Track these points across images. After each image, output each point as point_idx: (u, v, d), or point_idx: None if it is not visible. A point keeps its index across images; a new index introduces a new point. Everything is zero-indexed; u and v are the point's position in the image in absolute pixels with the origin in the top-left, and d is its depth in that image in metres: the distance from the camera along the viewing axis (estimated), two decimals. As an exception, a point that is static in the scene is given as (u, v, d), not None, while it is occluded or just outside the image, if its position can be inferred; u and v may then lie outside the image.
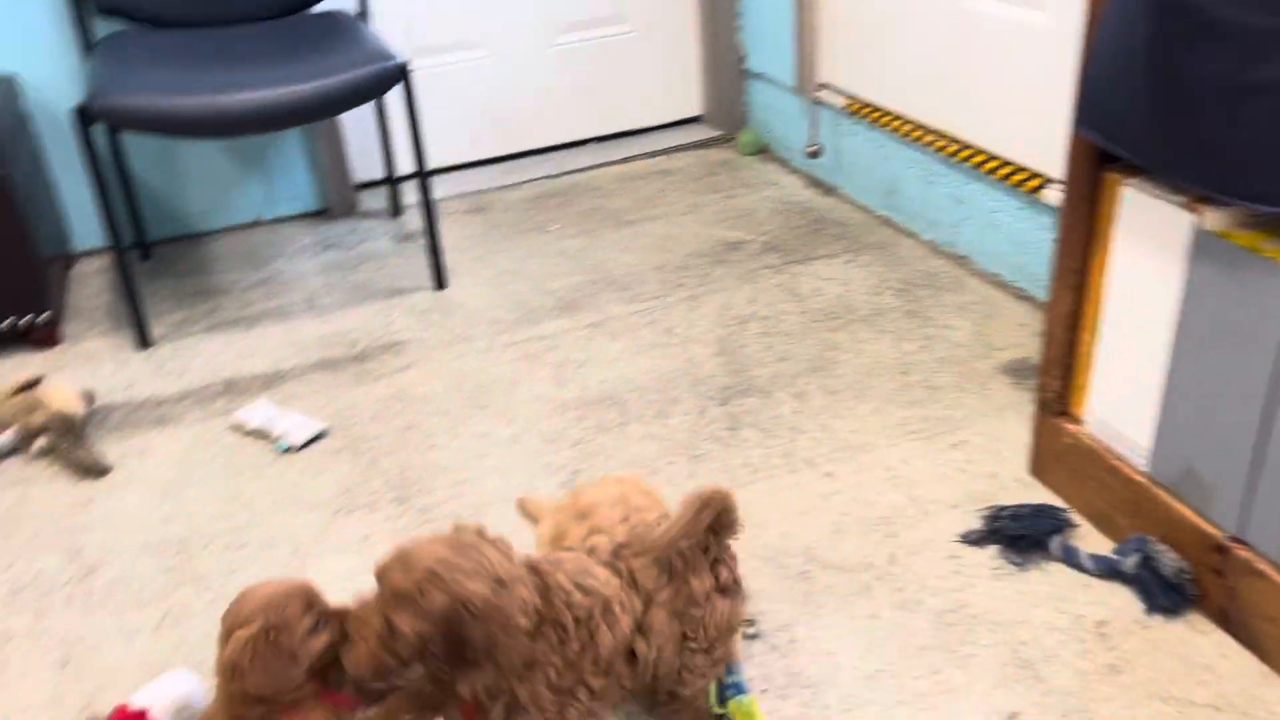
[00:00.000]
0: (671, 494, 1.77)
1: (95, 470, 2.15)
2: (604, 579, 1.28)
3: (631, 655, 1.28)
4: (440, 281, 2.89)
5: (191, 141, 3.18)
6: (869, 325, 2.56)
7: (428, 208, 2.80)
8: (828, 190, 3.33)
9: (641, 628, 1.28)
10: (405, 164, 3.47)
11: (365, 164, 3.49)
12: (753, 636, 1.64)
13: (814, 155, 3.27)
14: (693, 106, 3.87)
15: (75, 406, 2.25)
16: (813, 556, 1.83)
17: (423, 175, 2.75)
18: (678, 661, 1.29)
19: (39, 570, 1.90)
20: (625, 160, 3.68)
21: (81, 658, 1.69)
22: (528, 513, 1.90)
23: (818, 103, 3.26)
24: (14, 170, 2.53)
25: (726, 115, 3.76)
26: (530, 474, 2.10)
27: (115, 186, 3.09)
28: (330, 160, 3.33)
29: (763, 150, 3.66)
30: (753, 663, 1.60)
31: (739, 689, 1.47)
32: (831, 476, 2.03)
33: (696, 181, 3.49)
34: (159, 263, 3.13)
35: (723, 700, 1.45)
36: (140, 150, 3.13)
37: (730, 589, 1.37)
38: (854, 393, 2.29)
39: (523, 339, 2.62)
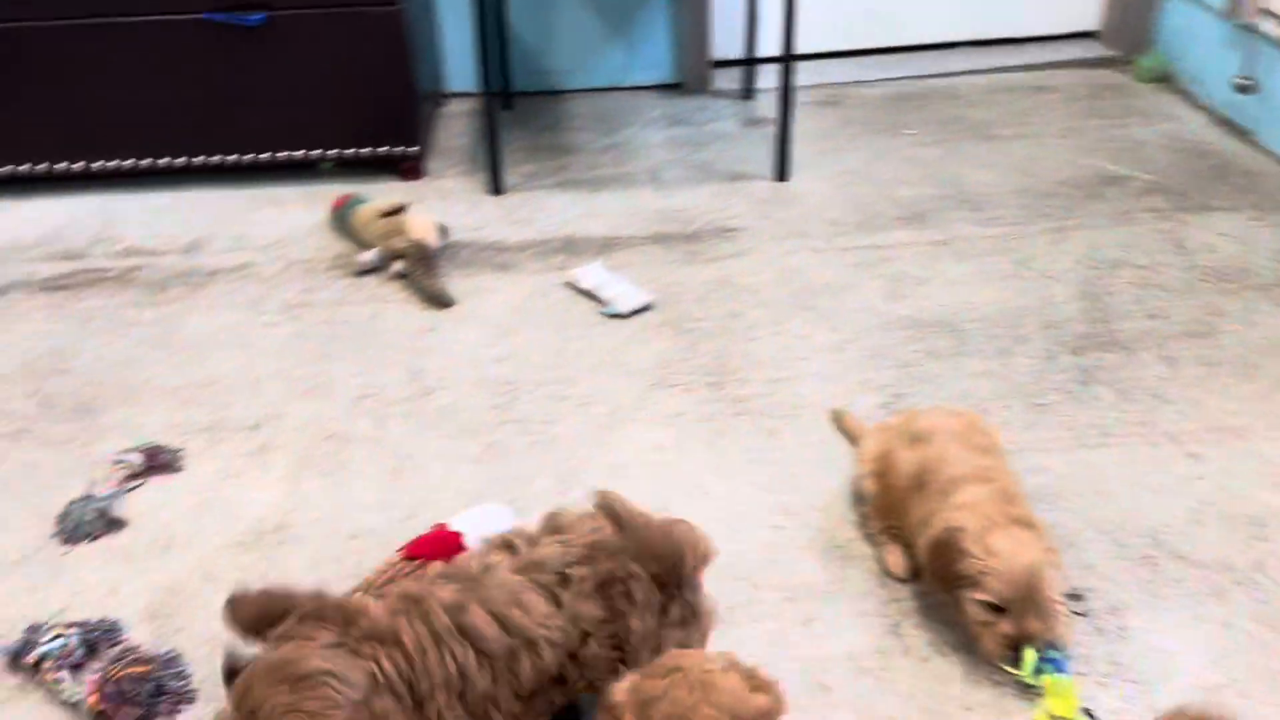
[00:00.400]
0: (1006, 441, 1.61)
1: (441, 301, 2.27)
2: (538, 614, 1.19)
3: (562, 678, 1.22)
4: (783, 172, 2.79)
5: (565, -2, 3.24)
6: (1268, 296, 2.20)
7: (786, 94, 2.68)
8: (1241, 134, 2.87)
9: (575, 657, 1.21)
10: (765, 45, 3.35)
11: (725, 42, 3.40)
12: (1081, 615, 1.48)
13: (1244, 90, 2.81)
14: (1088, 20, 3.45)
15: (432, 238, 2.39)
16: (1160, 542, 1.62)
17: (788, 59, 2.63)
18: (612, 677, 1.16)
19: (383, 383, 2.04)
20: (999, 70, 3.36)
21: (410, 471, 1.81)
22: (843, 427, 1.80)
23: (1253, 30, 2.79)
24: (408, 5, 2.67)
25: (1128, 34, 3.33)
26: (848, 387, 2.00)
27: (493, 35, 3.21)
28: (691, 33, 3.28)
29: (1164, 79, 3.22)
30: (1074, 640, 1.45)
31: (1059, 666, 1.33)
32: (1197, 458, 1.78)
33: (1078, 103, 3.13)
34: (518, 114, 3.23)
35: (1038, 672, 1.32)
36: (519, 2, 3.22)
37: (686, 621, 1.26)
38: (1238, 369, 1.99)
39: (860, 245, 2.48)
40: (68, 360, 2.13)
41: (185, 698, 1.44)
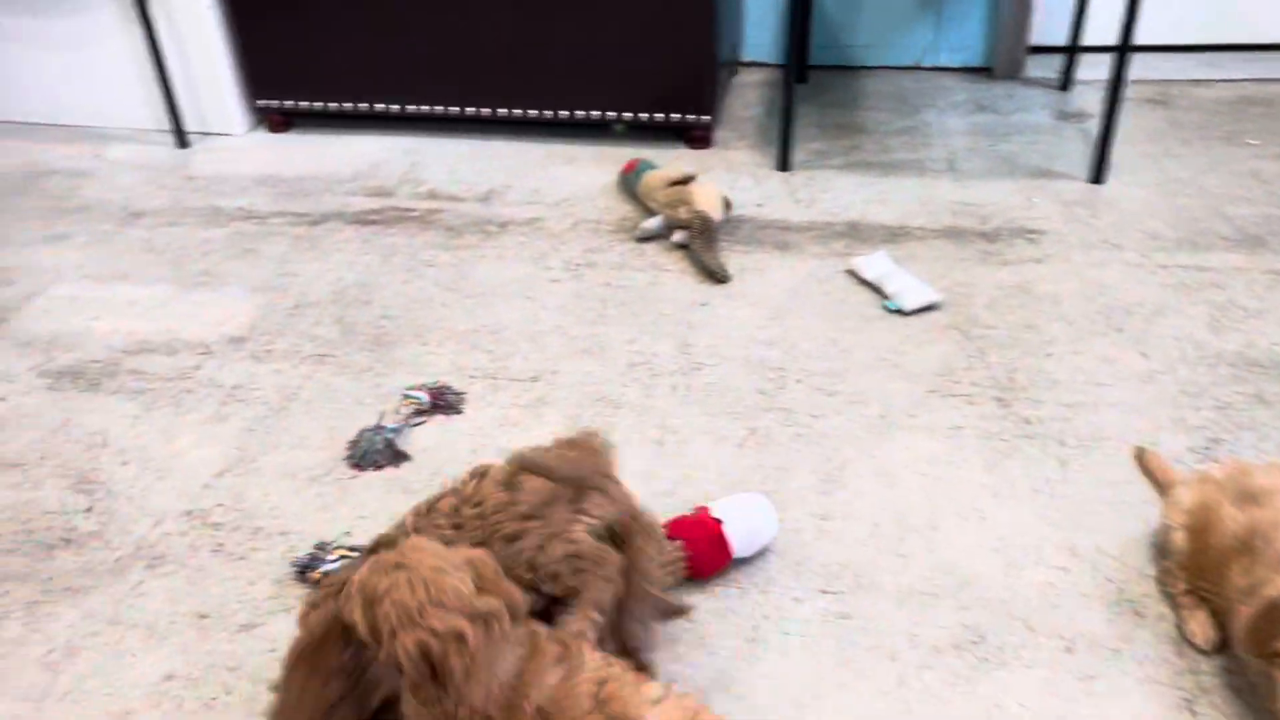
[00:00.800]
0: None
1: (718, 275, 2.25)
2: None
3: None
4: (1098, 173, 2.56)
5: (877, -29, 3.09)
6: None
7: (1115, 87, 2.44)
8: None
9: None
10: (1092, 32, 3.07)
11: (1045, 26, 3.15)
12: None
13: None
14: None
15: (716, 211, 2.36)
16: None
17: (1124, 49, 2.39)
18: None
19: (654, 353, 2.05)
20: (1373, 78, 2.93)
21: (674, 445, 1.81)
22: (1148, 469, 1.62)
23: None
24: (720, -28, 2.64)
25: None
26: (1156, 423, 1.80)
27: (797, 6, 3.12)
28: (1011, 15, 3.06)
29: None
30: None
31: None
32: None
33: None
34: (812, 88, 3.14)
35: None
36: (827, -28, 3.12)
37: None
38: None
39: (1182, 264, 2.23)
40: (370, 293, 2.27)
41: None
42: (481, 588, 1.09)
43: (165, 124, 2.99)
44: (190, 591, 1.56)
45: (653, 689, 1.12)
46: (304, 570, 1.58)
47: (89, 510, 1.71)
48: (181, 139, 2.94)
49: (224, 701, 1.40)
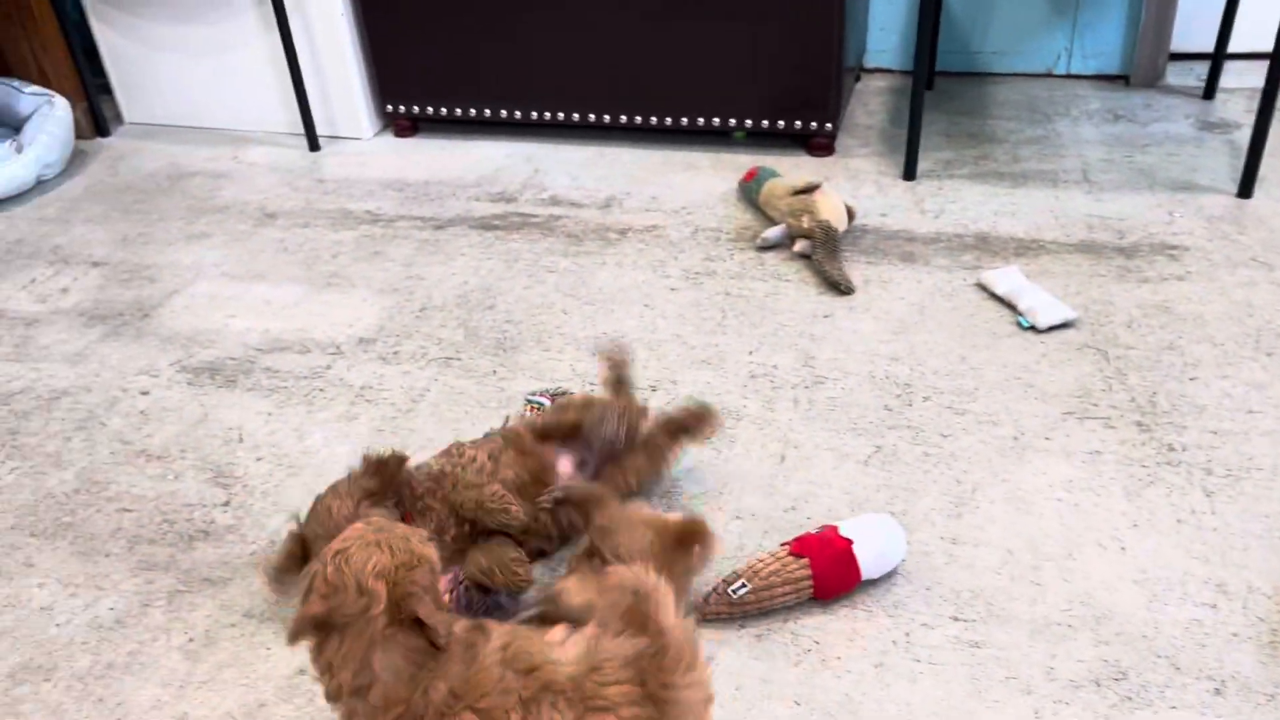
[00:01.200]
0: None
1: (841, 287, 2.21)
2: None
3: None
4: (1246, 187, 2.43)
5: (1009, -25, 3.00)
6: None
7: (1269, 96, 2.32)
8: None
9: None
10: (1240, 39, 2.93)
11: (1187, 32, 3.02)
12: None
13: None
14: None
15: (840, 221, 2.32)
16: None
17: (1278, 56, 2.27)
18: None
19: (775, 365, 2.02)
20: None
21: (796, 460, 1.78)
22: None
23: None
24: (848, -22, 2.59)
25: None
26: (1312, 454, 1.70)
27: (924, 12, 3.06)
28: (1152, 21, 2.93)
29: None
30: None
31: None
32: None
33: None
34: (939, 95, 3.07)
35: None
36: (957, -23, 3.04)
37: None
38: None
39: (1340, 285, 2.10)
40: (493, 297, 2.30)
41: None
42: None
43: (298, 128, 3.09)
44: (321, 587, 1.60)
45: (554, 633, 1.17)
46: None
47: (226, 504, 1.78)
48: (313, 142, 3.04)
49: (353, 697, 1.42)
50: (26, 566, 1.69)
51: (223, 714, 1.42)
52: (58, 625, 1.57)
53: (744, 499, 1.71)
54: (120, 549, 1.70)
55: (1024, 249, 2.31)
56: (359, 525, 1.21)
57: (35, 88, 3.05)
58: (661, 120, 2.86)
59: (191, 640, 1.53)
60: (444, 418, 1.94)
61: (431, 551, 1.20)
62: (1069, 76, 3.11)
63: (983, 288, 2.19)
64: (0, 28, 3.11)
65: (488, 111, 2.98)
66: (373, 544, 1.16)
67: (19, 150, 2.89)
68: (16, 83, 3.07)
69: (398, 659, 1.13)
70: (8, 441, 1.97)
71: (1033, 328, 2.05)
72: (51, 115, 2.96)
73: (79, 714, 1.43)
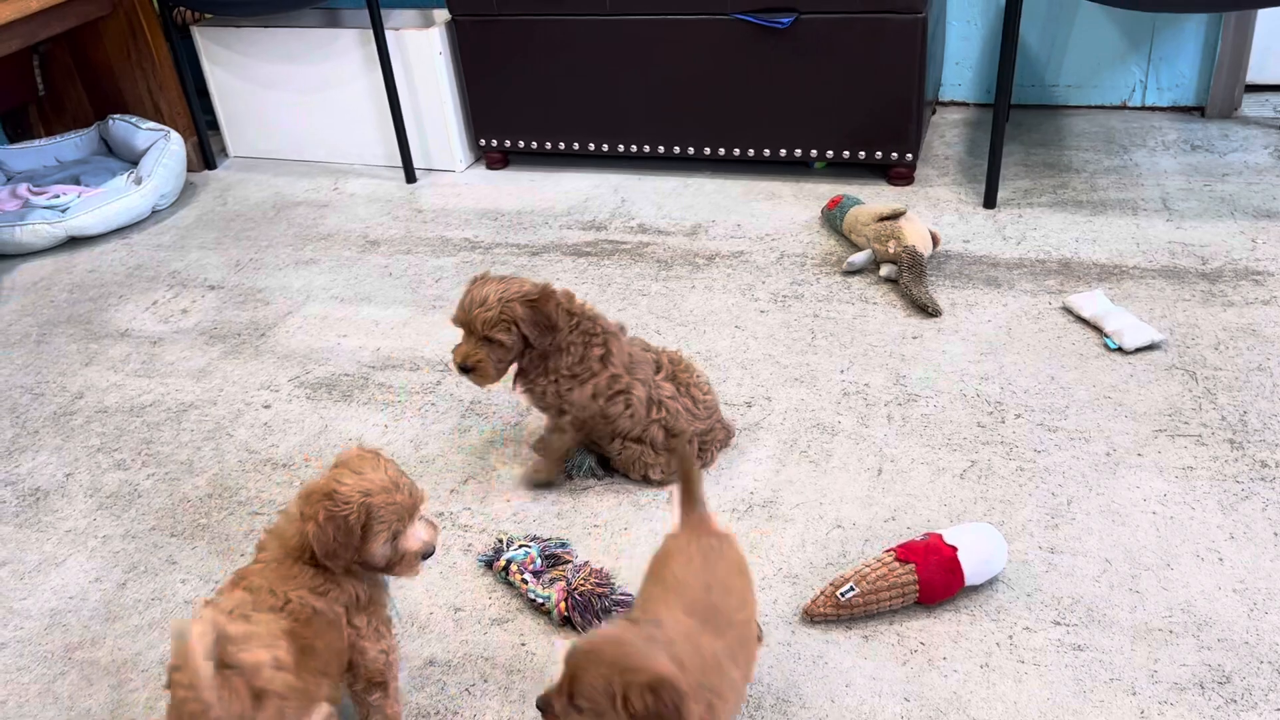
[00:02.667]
0: None
1: (929, 309, 2.28)
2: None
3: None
4: (1329, 215, 2.46)
5: (1092, 8, 3.06)
6: None
7: (1352, 126, 2.36)
8: None
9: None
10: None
11: (1264, 64, 3.06)
12: None
13: None
14: None
15: (925, 245, 2.40)
16: None
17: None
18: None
19: (867, 383, 2.09)
20: None
21: (892, 473, 1.85)
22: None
23: None
24: (929, 14, 2.68)
25: None
26: (1407, 471, 1.73)
27: (1001, 45, 3.13)
28: (1228, 52, 2.98)
29: None
30: None
31: None
32: None
33: None
34: (1015, 126, 3.14)
35: None
36: (1032, 12, 3.11)
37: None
38: None
39: None
40: (589, 319, 2.40)
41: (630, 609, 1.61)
42: None
43: (396, 160, 3.25)
44: (445, 586, 1.70)
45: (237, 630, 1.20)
46: (490, 563, 1.71)
47: (351, 508, 1.88)
48: (410, 174, 3.18)
49: (481, 689, 1.51)
50: (170, 564, 1.81)
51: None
52: (202, 617, 1.68)
53: (843, 509, 1.78)
54: (253, 549, 1.81)
55: (1107, 274, 2.36)
56: None
57: (152, 124, 3.24)
58: (744, 151, 2.96)
59: (327, 633, 1.63)
60: (550, 431, 2.03)
61: None
62: (1144, 108, 3.16)
63: (1068, 310, 2.24)
64: (121, 69, 3.31)
65: (575, 144, 3.10)
66: None
67: (138, 182, 3.07)
68: (135, 119, 3.26)
69: None
70: (143, 450, 2.11)
71: (1120, 349, 2.10)
72: (167, 149, 3.14)
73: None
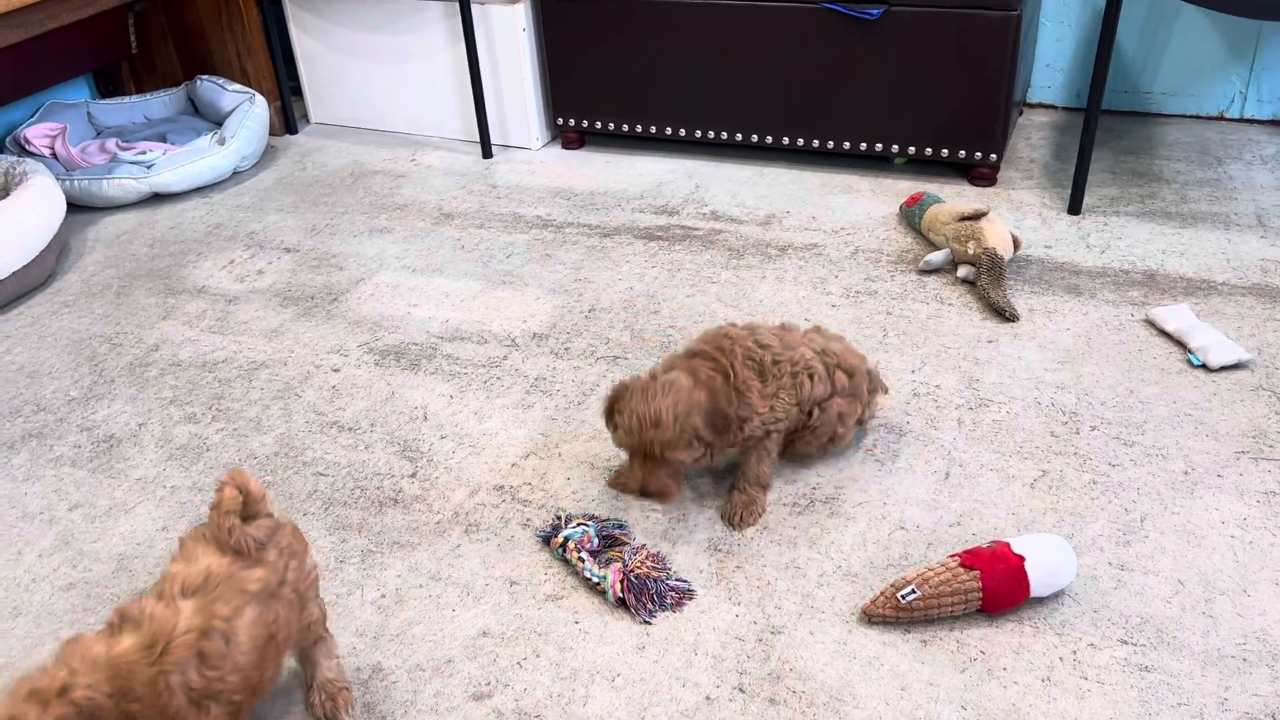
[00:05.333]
0: None
1: (1006, 314, 2.22)
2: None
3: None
4: None
5: (1193, 14, 2.96)
6: None
7: None
8: None
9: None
10: None
11: (1375, 79, 2.93)
12: None
13: None
14: None
15: (1006, 248, 2.34)
16: None
17: None
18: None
19: (938, 385, 2.05)
20: None
21: (960, 478, 1.81)
22: None
23: None
24: (1023, 12, 2.61)
25: None
26: None
27: (1095, 50, 3.05)
28: (1336, 66, 2.86)
29: None
30: None
31: None
32: None
33: None
34: (1104, 132, 3.05)
35: None
36: (1130, 15, 3.02)
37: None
38: None
39: None
40: (658, 303, 2.39)
41: (687, 595, 1.61)
42: None
43: (473, 135, 3.26)
44: (501, 559, 1.70)
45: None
46: (548, 539, 1.71)
47: (413, 475, 1.90)
48: (486, 150, 3.19)
49: (533, 663, 1.52)
50: (234, 517, 1.84)
51: (412, 666, 1.52)
52: (263, 572, 1.71)
53: (907, 511, 1.75)
54: (317, 509, 1.84)
55: (1194, 289, 2.29)
56: None
57: (238, 86, 3.30)
58: (823, 143, 2.92)
59: (383, 596, 1.65)
60: (614, 412, 2.03)
61: None
62: (1242, 120, 3.05)
63: (1151, 324, 2.17)
64: (212, 31, 3.37)
65: (653, 128, 3.09)
66: None
67: (221, 143, 3.13)
68: (222, 81, 3.32)
69: None
70: (214, 405, 2.15)
71: (1204, 366, 2.03)
72: (251, 112, 3.19)
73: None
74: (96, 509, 1.88)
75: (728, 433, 1.62)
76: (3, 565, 1.77)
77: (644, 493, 1.62)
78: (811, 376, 1.73)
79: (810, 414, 1.76)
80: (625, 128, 3.12)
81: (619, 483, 1.81)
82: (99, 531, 1.83)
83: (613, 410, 1.64)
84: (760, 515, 1.75)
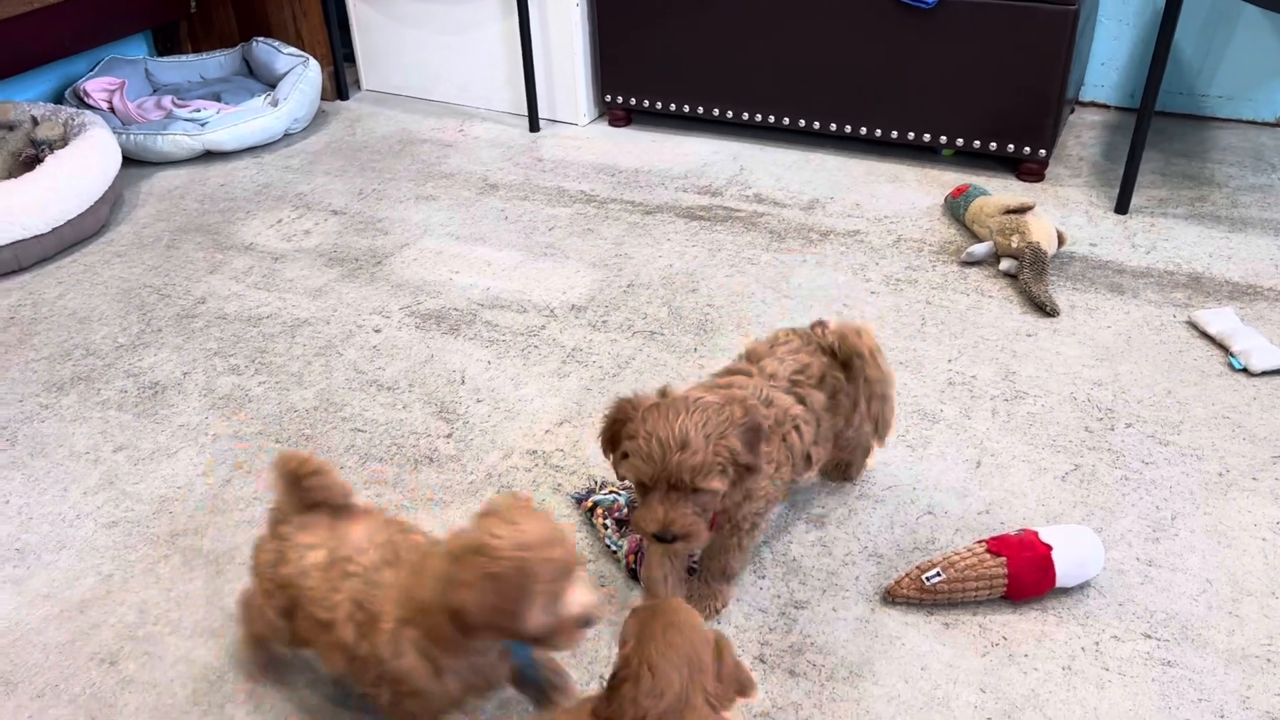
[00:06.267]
0: None
1: (1047, 308, 2.21)
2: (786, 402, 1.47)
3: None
4: None
5: (1254, 18, 2.92)
6: None
7: None
8: None
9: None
10: None
11: None
12: None
13: None
14: None
15: (1050, 243, 2.33)
16: None
17: None
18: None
19: (974, 375, 2.05)
20: None
21: (992, 467, 1.81)
22: None
23: None
24: (1081, 8, 2.59)
25: None
26: None
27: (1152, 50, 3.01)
28: (1400, 76, 2.81)
29: None
30: None
31: None
32: None
33: None
34: (1156, 134, 3.01)
35: None
36: (1190, 17, 2.98)
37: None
38: None
39: None
40: (696, 281, 2.40)
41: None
42: None
43: (521, 108, 3.28)
44: (532, 521, 1.73)
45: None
46: (579, 500, 1.74)
47: (449, 436, 1.93)
48: (534, 123, 3.22)
49: (558, 622, 1.54)
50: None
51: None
52: (299, 521, 1.75)
53: (936, 496, 1.75)
54: (354, 463, 1.88)
55: (1239, 293, 2.26)
56: None
57: (292, 50, 3.34)
58: (871, 131, 2.91)
59: (415, 550, 1.68)
60: (647, 385, 2.05)
61: None
62: (1300, 127, 3.01)
63: (1194, 326, 2.16)
64: (270, -7, 3.42)
65: (700, 109, 3.09)
66: None
67: (274, 104, 3.17)
68: (277, 44, 3.36)
69: None
70: (257, 358, 2.19)
71: (1245, 370, 2.01)
72: (304, 75, 3.23)
73: (315, 599, 1.59)
74: (140, 452, 1.93)
75: (760, 462, 1.35)
76: (49, 500, 1.82)
77: (665, 535, 1.31)
78: (798, 428, 1.47)
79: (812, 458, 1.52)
80: (672, 107, 3.12)
81: (634, 525, 1.40)
82: (142, 474, 1.88)
83: (617, 434, 1.36)
84: (719, 611, 1.53)
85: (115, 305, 2.40)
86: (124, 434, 1.98)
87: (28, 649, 1.54)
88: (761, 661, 1.46)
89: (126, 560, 1.69)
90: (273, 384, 2.11)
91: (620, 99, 3.18)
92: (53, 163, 2.56)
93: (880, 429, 1.59)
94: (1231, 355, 2.05)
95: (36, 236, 2.52)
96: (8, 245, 2.48)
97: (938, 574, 1.51)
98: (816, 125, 2.97)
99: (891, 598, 1.54)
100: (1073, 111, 3.19)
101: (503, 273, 2.46)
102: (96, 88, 3.19)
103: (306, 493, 1.31)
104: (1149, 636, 1.48)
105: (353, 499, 1.35)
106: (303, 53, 3.33)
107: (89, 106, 3.15)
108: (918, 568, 1.54)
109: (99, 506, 1.80)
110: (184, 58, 3.47)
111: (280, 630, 1.33)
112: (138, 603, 1.61)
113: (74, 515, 1.79)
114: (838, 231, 2.59)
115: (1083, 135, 3.06)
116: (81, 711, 1.44)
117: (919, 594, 1.52)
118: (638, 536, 1.63)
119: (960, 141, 2.82)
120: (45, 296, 2.45)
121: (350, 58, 3.63)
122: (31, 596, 1.63)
